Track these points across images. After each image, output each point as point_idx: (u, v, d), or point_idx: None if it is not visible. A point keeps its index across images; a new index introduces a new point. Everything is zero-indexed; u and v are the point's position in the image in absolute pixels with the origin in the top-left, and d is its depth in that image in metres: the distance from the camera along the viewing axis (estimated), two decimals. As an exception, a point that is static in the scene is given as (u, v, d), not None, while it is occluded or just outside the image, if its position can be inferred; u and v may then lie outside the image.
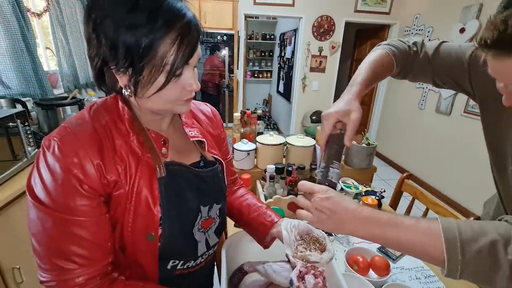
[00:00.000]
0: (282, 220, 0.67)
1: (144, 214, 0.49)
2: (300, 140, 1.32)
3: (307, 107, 4.00)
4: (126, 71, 0.43)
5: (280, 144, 1.30)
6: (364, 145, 1.36)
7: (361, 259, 0.81)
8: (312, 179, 1.16)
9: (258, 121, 1.50)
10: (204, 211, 0.58)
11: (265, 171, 1.16)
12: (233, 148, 1.30)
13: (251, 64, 5.81)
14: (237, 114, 1.44)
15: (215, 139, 0.68)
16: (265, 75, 5.91)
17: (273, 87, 5.83)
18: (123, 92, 0.46)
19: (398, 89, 3.64)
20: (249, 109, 1.51)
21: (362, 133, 1.40)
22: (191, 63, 0.46)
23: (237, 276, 0.72)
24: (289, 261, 0.63)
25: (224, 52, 3.30)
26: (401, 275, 0.84)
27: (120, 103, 0.50)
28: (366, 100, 4.25)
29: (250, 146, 1.30)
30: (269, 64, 5.90)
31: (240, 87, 3.82)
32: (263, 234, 0.67)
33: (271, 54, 5.81)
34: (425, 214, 1.16)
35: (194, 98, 0.56)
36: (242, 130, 1.48)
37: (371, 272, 0.80)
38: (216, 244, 0.66)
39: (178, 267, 0.57)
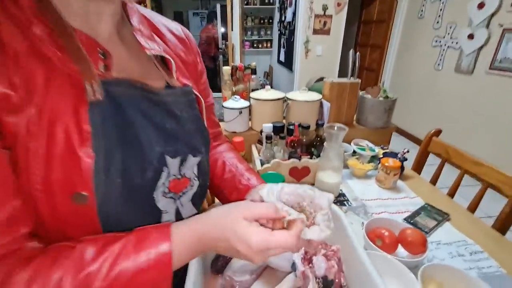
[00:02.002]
0: (263, 186, 0.46)
1: (64, 160, 0.29)
2: (303, 95, 1.08)
3: (310, 75, 3.67)
4: None
5: (279, 99, 1.07)
6: (381, 98, 1.12)
7: (386, 233, 0.61)
8: (318, 138, 0.94)
9: (253, 76, 1.26)
10: (173, 166, 0.38)
11: (261, 131, 0.94)
12: (223, 107, 1.07)
13: (249, 33, 5.42)
14: (227, 68, 1.20)
15: (188, 68, 0.48)
16: (264, 45, 5.53)
17: (273, 57, 5.49)
18: None
19: (412, 49, 3.28)
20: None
21: (379, 84, 1.15)
22: None
23: (222, 259, 0.53)
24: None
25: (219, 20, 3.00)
26: (438, 251, 0.64)
27: None
28: (375, 67, 3.90)
29: (243, 103, 1.06)
30: (268, 32, 5.51)
31: (237, 51, 3.49)
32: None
33: (270, 21, 5.39)
34: (460, 178, 0.92)
35: None
36: (234, 89, 1.24)
37: (401, 249, 0.61)
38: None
39: None
